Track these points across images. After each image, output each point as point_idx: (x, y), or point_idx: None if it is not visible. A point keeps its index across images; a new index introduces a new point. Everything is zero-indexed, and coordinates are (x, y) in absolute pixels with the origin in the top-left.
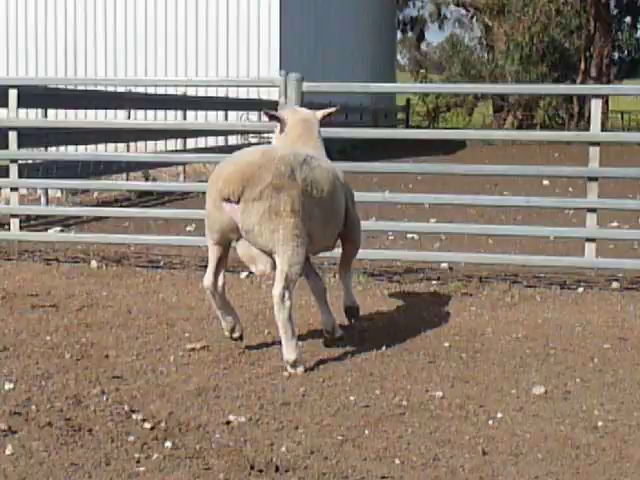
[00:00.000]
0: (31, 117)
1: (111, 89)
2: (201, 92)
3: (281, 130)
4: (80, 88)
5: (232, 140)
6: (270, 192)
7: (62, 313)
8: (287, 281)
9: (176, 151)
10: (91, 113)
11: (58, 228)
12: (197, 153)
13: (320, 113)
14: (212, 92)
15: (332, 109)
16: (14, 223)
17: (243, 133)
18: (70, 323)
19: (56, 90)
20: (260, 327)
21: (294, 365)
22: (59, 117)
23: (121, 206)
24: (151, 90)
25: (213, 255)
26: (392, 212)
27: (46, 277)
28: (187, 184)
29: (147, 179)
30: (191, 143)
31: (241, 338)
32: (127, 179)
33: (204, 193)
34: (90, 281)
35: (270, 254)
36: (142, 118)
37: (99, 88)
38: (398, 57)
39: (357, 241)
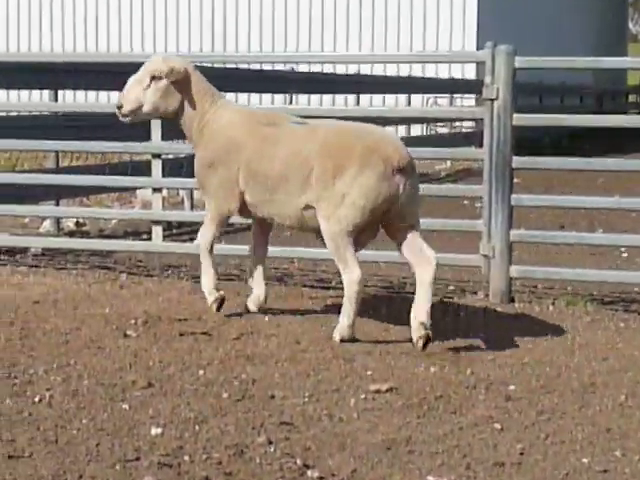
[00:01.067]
0: None
1: (256, 67)
2: (377, 70)
3: (176, 82)
4: (224, 66)
5: (415, 130)
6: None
7: (217, 342)
8: None
9: None
10: (242, 97)
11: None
12: None
13: None
14: (391, 70)
15: None
16: (156, 232)
17: (429, 122)
18: (227, 355)
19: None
20: (461, 365)
21: (349, 337)
22: None
23: None
24: (311, 68)
25: (352, 246)
26: (625, 222)
27: (196, 298)
28: None
29: None
30: None
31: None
32: None
33: None
34: (240, 304)
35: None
36: (304, 103)
37: (245, 66)
38: (630, 25)
39: None
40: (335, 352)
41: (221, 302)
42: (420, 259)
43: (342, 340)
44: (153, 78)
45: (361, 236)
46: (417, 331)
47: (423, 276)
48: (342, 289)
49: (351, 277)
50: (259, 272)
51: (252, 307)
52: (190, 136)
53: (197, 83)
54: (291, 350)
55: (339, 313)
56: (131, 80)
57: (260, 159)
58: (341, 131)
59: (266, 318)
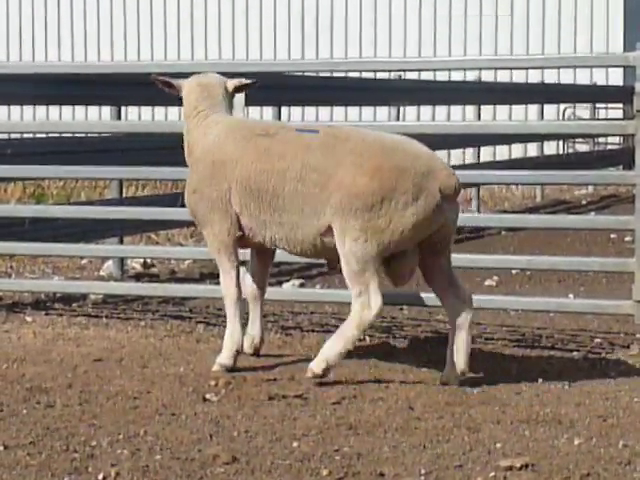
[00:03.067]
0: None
1: (350, 74)
2: (502, 77)
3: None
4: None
5: (550, 148)
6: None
7: (313, 408)
8: None
9: (466, 166)
10: (338, 111)
11: (297, 281)
12: (497, 169)
13: (234, 82)
14: (520, 77)
15: (249, 81)
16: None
17: (567, 137)
18: (326, 423)
19: (293, 79)
20: (612, 436)
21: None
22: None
23: None
24: (421, 76)
25: (378, 273)
26: None
27: (286, 353)
28: (484, 216)
29: None
30: (487, 154)
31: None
32: None
33: (511, 229)
34: (350, 360)
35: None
36: (413, 117)
37: (329, 74)
38: None
39: None
40: (457, 420)
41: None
42: (455, 297)
43: (323, 370)
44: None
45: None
46: (452, 378)
47: (458, 319)
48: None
49: (369, 304)
50: (255, 310)
51: (246, 349)
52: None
53: (189, 99)
54: (403, 417)
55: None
56: None
57: (260, 174)
58: (380, 146)
59: (371, 379)
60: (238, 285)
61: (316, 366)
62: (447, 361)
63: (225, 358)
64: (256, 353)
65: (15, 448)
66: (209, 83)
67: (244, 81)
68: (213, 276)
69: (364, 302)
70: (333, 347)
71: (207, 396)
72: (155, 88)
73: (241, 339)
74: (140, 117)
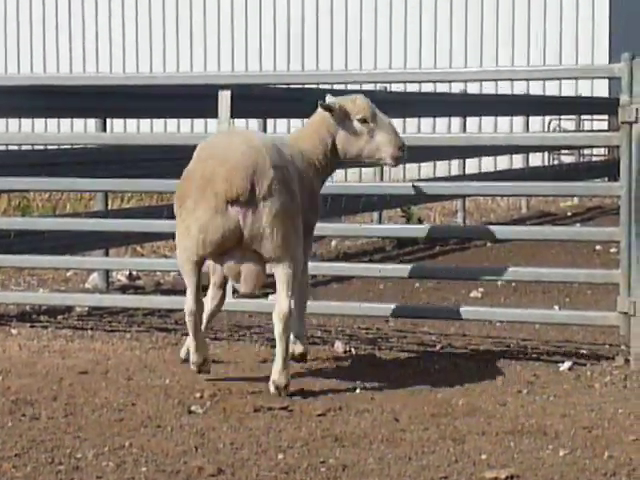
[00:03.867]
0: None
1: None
2: (487, 89)
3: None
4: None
5: (535, 160)
6: (278, 188)
7: (299, 419)
8: (292, 293)
9: (451, 178)
10: None
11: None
12: (482, 181)
13: None
14: (505, 89)
15: None
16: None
17: (552, 149)
18: (311, 435)
19: (274, 91)
20: (596, 448)
21: (285, 388)
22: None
23: (371, 260)
24: (407, 88)
25: (194, 277)
26: None
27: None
28: (469, 228)
29: (409, 219)
30: (472, 165)
31: (208, 372)
32: (380, 220)
33: (496, 241)
34: (335, 372)
35: (263, 265)
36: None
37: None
38: None
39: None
40: (442, 432)
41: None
42: (276, 309)
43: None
44: None
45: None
46: (270, 386)
47: (275, 329)
48: (451, 355)
49: (185, 306)
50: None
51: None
52: None
53: None
54: (388, 429)
55: (446, 385)
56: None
57: None
58: (200, 148)
59: (357, 390)
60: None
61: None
62: None
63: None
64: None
65: (0, 460)
66: None
67: None
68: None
69: (186, 300)
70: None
71: (192, 408)
72: (143, 101)
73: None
74: (125, 129)
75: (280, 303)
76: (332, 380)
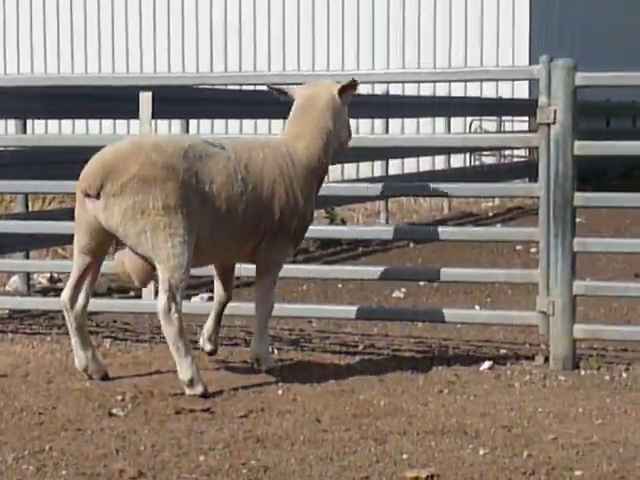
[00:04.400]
0: (163, 131)
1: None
2: (410, 90)
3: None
4: (231, 88)
5: (456, 161)
6: (136, 186)
7: (220, 421)
8: (171, 290)
9: (374, 179)
10: (248, 124)
11: (205, 295)
12: (404, 181)
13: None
14: (426, 90)
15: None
16: (147, 288)
17: (473, 151)
18: (232, 437)
19: (202, 92)
20: (516, 447)
21: (191, 385)
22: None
23: (295, 261)
24: None
25: (77, 265)
26: None
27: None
28: (390, 227)
29: (332, 221)
30: (395, 166)
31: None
32: None
33: (419, 241)
34: (257, 373)
35: (145, 259)
36: None
37: (243, 87)
38: None
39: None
40: (363, 432)
41: None
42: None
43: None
44: None
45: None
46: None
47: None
48: (370, 354)
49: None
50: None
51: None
52: None
53: None
54: (310, 430)
55: (368, 385)
56: None
57: None
58: None
59: (279, 391)
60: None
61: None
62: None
63: None
64: None
65: None
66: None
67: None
68: (120, 290)
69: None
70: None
71: (113, 411)
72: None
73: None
74: (47, 130)
75: (158, 300)
76: (254, 381)
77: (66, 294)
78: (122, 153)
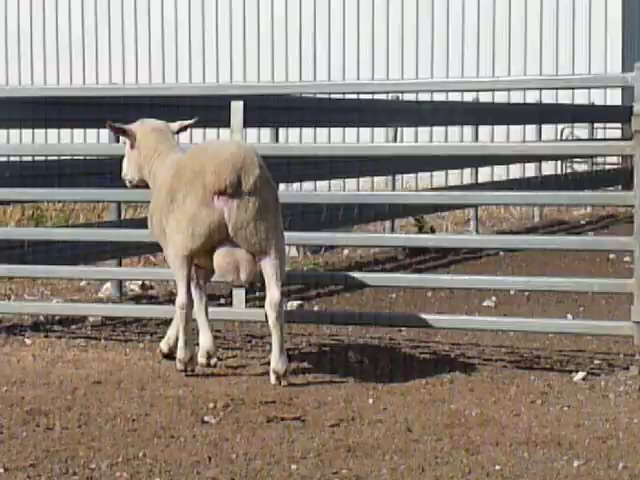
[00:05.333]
0: (252, 140)
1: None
2: (499, 98)
3: (132, 145)
4: (320, 96)
5: (548, 168)
6: (261, 185)
7: (311, 430)
8: (282, 284)
9: (463, 187)
10: (336, 132)
11: (295, 302)
12: (495, 189)
13: (176, 125)
14: (516, 97)
15: (190, 121)
16: (238, 296)
17: (564, 158)
18: (324, 445)
19: (293, 101)
20: (611, 458)
21: (285, 376)
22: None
23: (383, 269)
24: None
25: (186, 270)
26: None
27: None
28: (482, 237)
29: (421, 229)
30: (485, 174)
31: (192, 371)
32: (392, 229)
33: (509, 250)
34: (348, 382)
35: (254, 256)
36: (411, 138)
37: (336, 96)
38: None
39: None
40: (455, 442)
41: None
42: (268, 299)
43: (162, 354)
44: (124, 143)
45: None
46: (271, 377)
47: (269, 319)
48: (462, 364)
49: (177, 300)
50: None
51: (202, 361)
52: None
53: (148, 143)
54: (402, 440)
55: (459, 395)
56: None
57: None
58: (192, 151)
59: (370, 400)
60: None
61: (161, 345)
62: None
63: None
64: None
65: (15, 471)
66: (161, 128)
67: (185, 123)
68: (211, 298)
69: (177, 299)
70: (168, 335)
71: (205, 418)
72: (157, 111)
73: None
74: None
75: (272, 293)
76: (344, 390)
77: (184, 298)
78: (243, 155)
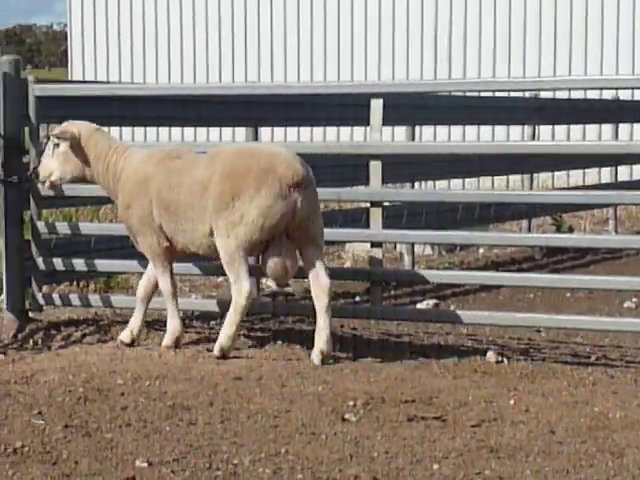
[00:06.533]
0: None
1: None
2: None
3: (71, 146)
4: (455, 94)
5: None
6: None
7: (453, 430)
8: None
9: (602, 186)
10: (470, 131)
11: (431, 301)
12: (634, 188)
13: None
14: None
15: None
16: (375, 293)
17: None
18: (466, 445)
19: (427, 99)
20: None
21: (328, 357)
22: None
23: (520, 269)
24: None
25: (246, 262)
26: None
27: (424, 375)
28: (622, 237)
29: (559, 228)
30: (624, 173)
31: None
32: (529, 229)
33: None
34: (488, 383)
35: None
36: (547, 136)
37: (472, 94)
38: None
39: None
40: (599, 445)
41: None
42: (316, 285)
43: (222, 352)
44: (55, 145)
45: (264, 255)
46: (316, 358)
47: (318, 304)
48: (603, 365)
49: (240, 290)
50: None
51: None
52: (109, 190)
53: (98, 142)
54: (544, 441)
55: (602, 397)
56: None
57: (168, 189)
58: (237, 153)
59: (511, 401)
60: (173, 284)
61: (215, 351)
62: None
63: (167, 340)
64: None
65: (159, 465)
66: (99, 127)
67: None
68: (345, 295)
69: (237, 289)
70: (224, 332)
71: (346, 416)
72: (291, 108)
73: (180, 325)
74: (273, 139)
75: (324, 280)
76: (485, 390)
77: (250, 287)
78: (294, 152)
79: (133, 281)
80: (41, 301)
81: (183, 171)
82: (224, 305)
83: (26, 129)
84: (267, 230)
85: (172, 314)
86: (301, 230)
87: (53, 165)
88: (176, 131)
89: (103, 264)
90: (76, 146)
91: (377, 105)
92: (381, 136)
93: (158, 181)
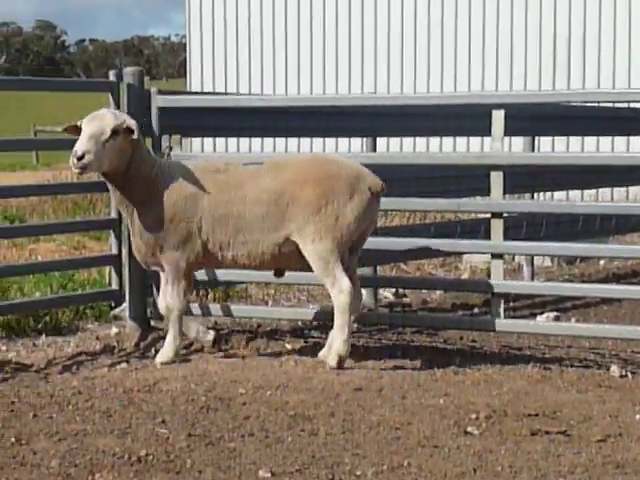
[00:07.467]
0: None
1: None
2: None
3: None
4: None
5: None
6: None
7: (577, 445)
8: None
9: None
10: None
11: (552, 314)
12: None
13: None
14: None
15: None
16: (496, 306)
17: None
18: (591, 461)
19: (546, 109)
20: None
21: (345, 361)
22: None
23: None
24: None
25: (340, 263)
26: None
27: (547, 388)
28: None
29: None
30: None
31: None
32: None
33: None
34: (612, 397)
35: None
36: None
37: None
38: None
39: None
40: None
41: None
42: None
43: (340, 359)
44: (115, 133)
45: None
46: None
47: (346, 305)
48: None
49: (341, 288)
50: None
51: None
52: (137, 195)
53: (141, 144)
54: None
55: None
56: (88, 132)
57: (226, 204)
58: (311, 161)
59: (637, 416)
60: (186, 301)
61: (331, 360)
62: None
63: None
64: None
65: (282, 475)
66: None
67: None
68: (465, 307)
69: (337, 289)
70: (337, 339)
71: (468, 429)
72: (409, 119)
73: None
74: (388, 148)
75: (352, 281)
76: (609, 405)
77: (350, 283)
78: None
79: (251, 290)
80: None
81: (243, 184)
82: (328, 315)
83: (148, 140)
84: (356, 234)
85: (174, 336)
86: (363, 237)
87: (106, 153)
88: (280, 142)
89: (222, 273)
90: (133, 140)
91: (499, 116)
92: (502, 146)
93: (210, 197)
